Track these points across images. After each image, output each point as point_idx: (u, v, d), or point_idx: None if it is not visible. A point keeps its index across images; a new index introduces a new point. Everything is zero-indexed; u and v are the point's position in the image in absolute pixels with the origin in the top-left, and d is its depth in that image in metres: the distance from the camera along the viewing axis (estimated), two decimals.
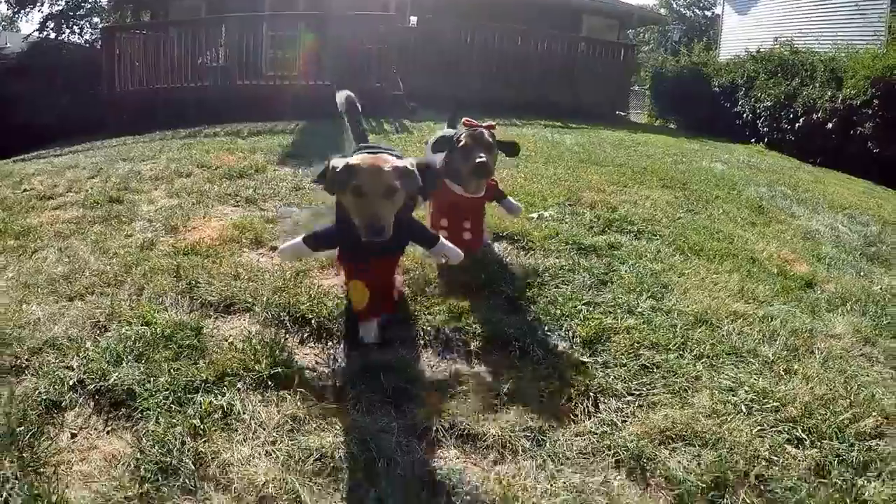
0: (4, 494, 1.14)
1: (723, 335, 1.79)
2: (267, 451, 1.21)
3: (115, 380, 1.39)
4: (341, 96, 1.96)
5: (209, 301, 1.76)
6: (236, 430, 1.26)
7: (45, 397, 1.37)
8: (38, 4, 14.68)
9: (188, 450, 1.19)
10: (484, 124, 2.16)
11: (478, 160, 1.98)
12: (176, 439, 1.21)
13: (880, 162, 5.96)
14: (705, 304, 1.93)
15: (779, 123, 7.19)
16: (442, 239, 1.74)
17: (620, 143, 5.61)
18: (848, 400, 1.53)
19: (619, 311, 1.82)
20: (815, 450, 1.36)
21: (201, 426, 1.26)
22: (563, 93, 8.14)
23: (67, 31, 15.22)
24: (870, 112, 6.16)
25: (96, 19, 15.47)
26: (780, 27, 8.79)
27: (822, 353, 1.79)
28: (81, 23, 15.65)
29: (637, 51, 11.76)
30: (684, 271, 2.19)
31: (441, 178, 2.14)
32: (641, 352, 1.62)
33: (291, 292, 1.83)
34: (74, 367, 1.46)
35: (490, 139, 2.08)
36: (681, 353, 1.65)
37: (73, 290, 1.88)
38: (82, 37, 15.30)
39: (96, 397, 1.38)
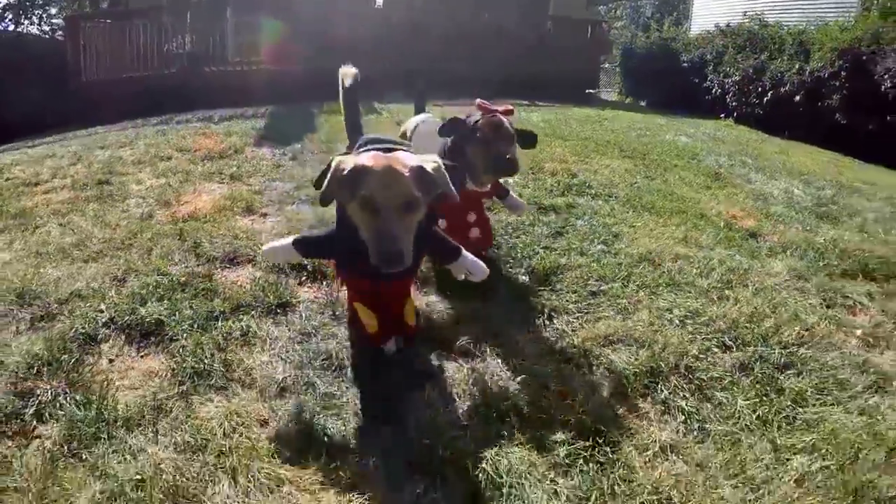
0: (59, 404, 1.47)
1: (664, 271, 2.20)
2: (282, 357, 1.58)
3: (143, 314, 1.73)
4: (348, 75, 1.88)
5: (214, 256, 2.11)
6: (255, 344, 1.62)
7: (81, 332, 1.70)
8: None
9: (217, 359, 1.55)
10: (500, 108, 2.02)
11: (507, 156, 1.89)
12: (205, 351, 1.57)
13: (847, 133, 6.47)
14: (650, 248, 2.35)
15: (747, 98, 7.73)
16: (464, 251, 1.60)
17: (587, 119, 6.05)
18: (773, 318, 1.93)
19: (572, 253, 2.23)
20: (740, 352, 1.77)
21: (224, 343, 1.61)
22: (530, 71, 8.55)
23: (26, 21, 15.08)
24: (837, 84, 6.68)
25: (53, 10, 15.32)
26: (751, 1, 9.35)
27: (755, 285, 2.21)
28: (39, 13, 15.48)
29: (609, 27, 12.28)
30: (634, 224, 2.61)
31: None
32: (590, 282, 2.03)
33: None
34: (104, 309, 1.79)
35: (511, 128, 1.97)
36: (625, 283, 2.07)
37: (85, 255, 2.20)
38: (41, 27, 15.16)
39: (127, 330, 1.72)
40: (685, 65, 9.01)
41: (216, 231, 2.30)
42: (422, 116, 2.40)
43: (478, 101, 2.07)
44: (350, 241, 1.34)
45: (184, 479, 1.18)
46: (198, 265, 2.05)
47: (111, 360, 1.63)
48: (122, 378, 1.56)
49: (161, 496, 1.14)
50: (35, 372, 1.51)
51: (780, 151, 5.75)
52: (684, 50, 9.22)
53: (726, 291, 2.11)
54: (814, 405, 1.53)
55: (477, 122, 1.98)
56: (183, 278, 1.92)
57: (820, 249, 2.61)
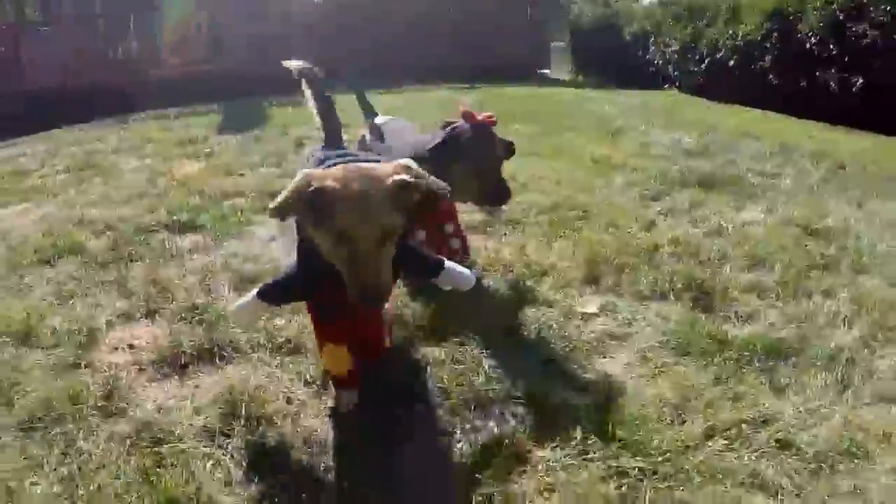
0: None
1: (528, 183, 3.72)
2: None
3: (183, 219, 3.15)
4: (294, 67, 2.07)
5: (224, 193, 3.56)
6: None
7: (139, 229, 3.09)
8: None
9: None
10: (482, 115, 2.16)
11: (505, 185, 2.09)
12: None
13: (778, 92, 8.05)
14: (527, 175, 3.87)
15: (687, 66, 9.45)
16: (447, 262, 1.69)
17: (516, 97, 7.63)
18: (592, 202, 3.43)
19: None
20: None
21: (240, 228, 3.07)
22: (472, 54, 10.17)
23: None
24: (767, 46, 8.32)
25: None
26: None
27: (598, 189, 3.73)
28: None
29: (564, 6, 14.12)
30: (522, 166, 4.13)
31: None
32: None
33: (277, 185, 3.59)
34: (150, 220, 3.18)
35: (498, 146, 2.14)
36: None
37: (116, 202, 3.59)
38: None
39: (173, 227, 3.12)
40: (628, 38, 10.76)
41: (214, 183, 3.76)
42: (384, 118, 2.67)
43: (462, 107, 2.19)
44: (317, 277, 1.42)
45: None
46: (214, 198, 3.50)
47: (164, 240, 3.00)
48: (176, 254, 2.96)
49: None
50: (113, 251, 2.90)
51: (704, 112, 7.39)
52: (626, 24, 10.97)
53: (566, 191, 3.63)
54: None
55: (469, 138, 2.11)
56: (210, 200, 3.37)
57: (668, 174, 4.14)
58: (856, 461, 1.57)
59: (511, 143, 2.24)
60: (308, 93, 2.06)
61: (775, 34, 8.12)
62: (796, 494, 1.47)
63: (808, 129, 6.21)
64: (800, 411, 1.75)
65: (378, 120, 2.65)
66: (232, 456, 1.59)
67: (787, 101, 7.60)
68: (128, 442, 1.64)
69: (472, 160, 2.11)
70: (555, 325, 2.17)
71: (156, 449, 1.61)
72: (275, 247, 2.79)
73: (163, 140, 5.27)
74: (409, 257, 1.60)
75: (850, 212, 3.44)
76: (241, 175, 4.04)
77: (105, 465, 1.55)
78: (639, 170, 4.17)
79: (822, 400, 1.81)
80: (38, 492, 1.48)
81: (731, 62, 8.81)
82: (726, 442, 1.62)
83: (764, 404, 1.77)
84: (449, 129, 2.18)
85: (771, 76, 8.27)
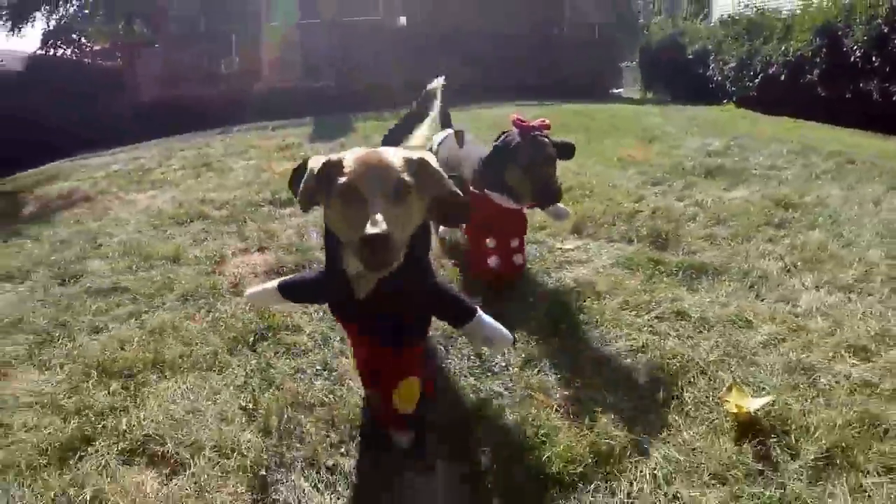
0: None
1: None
2: None
3: (289, 196, 4.33)
4: (439, 83, 2.38)
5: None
6: None
7: (252, 202, 4.29)
8: (32, 21, 18.80)
9: None
10: (537, 123, 2.40)
11: (553, 184, 2.33)
12: None
13: (825, 103, 8.63)
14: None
15: (742, 82, 10.08)
16: (481, 313, 1.65)
17: (576, 111, 8.56)
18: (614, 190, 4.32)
19: None
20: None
21: None
22: (542, 74, 11.23)
23: (64, 47, 19.43)
24: (817, 60, 8.92)
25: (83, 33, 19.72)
26: None
27: (612, 181, 4.62)
28: (77, 37, 19.85)
29: (644, 26, 15.02)
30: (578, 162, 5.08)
31: (469, 188, 2.44)
32: None
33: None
34: (261, 196, 4.39)
35: (552, 151, 2.37)
36: None
37: (229, 188, 4.82)
38: (81, 51, 19.48)
39: (279, 201, 4.31)
40: (690, 56, 11.49)
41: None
42: (448, 131, 2.83)
43: (513, 116, 2.44)
44: (338, 279, 1.49)
45: None
46: None
47: (269, 210, 4.15)
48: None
49: None
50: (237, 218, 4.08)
51: (750, 123, 8.02)
52: (690, 42, 11.72)
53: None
54: None
55: (518, 143, 2.37)
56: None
57: (677, 167, 4.96)
58: (737, 328, 2.39)
59: (570, 145, 2.48)
60: (436, 105, 2.41)
61: (824, 49, 8.72)
62: (680, 338, 2.33)
63: (841, 134, 6.78)
64: (703, 301, 2.60)
65: (438, 136, 2.90)
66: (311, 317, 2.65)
67: (833, 112, 8.17)
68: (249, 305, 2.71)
69: (520, 161, 2.37)
70: (537, 253, 3.12)
71: None
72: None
73: (263, 146, 6.55)
74: (442, 298, 1.65)
75: (834, 193, 4.09)
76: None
77: (236, 316, 2.64)
78: (655, 165, 5.01)
79: (727, 297, 2.64)
80: (195, 329, 2.58)
81: (783, 76, 9.40)
82: (635, 311, 2.51)
83: (676, 295, 2.63)
84: (501, 136, 2.47)
85: (819, 88, 8.83)
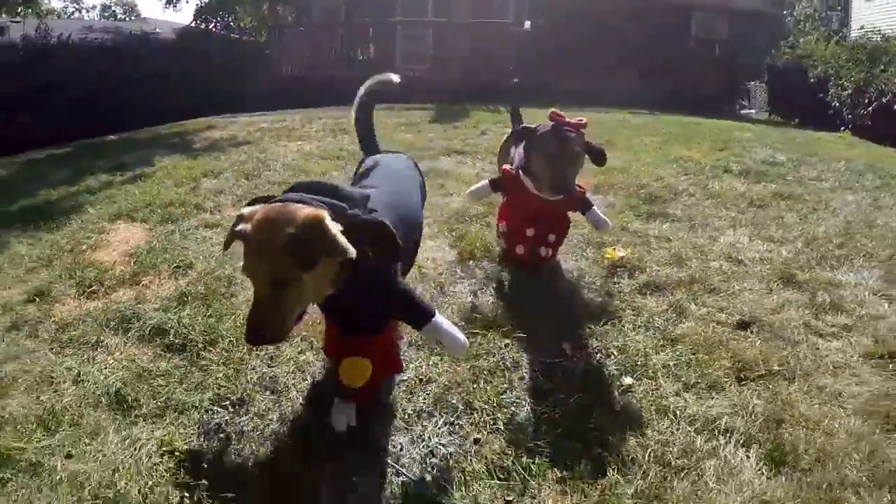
0: None
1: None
2: None
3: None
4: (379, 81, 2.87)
5: (426, 148, 6.64)
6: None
7: None
8: None
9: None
10: (573, 121, 2.83)
11: (564, 178, 2.76)
12: None
13: None
14: (616, 160, 6.40)
15: (857, 110, 10.86)
16: (437, 318, 1.96)
17: (673, 122, 9.89)
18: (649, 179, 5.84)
19: None
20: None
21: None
22: (658, 86, 12.56)
23: (214, 21, 23.35)
24: None
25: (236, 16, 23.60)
26: None
27: (655, 169, 6.11)
28: (226, 14, 23.76)
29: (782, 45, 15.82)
30: (617, 157, 6.61)
31: (517, 176, 3.03)
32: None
33: (454, 144, 6.64)
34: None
35: (577, 146, 2.79)
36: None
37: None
38: (228, 26, 23.35)
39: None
40: (812, 80, 12.32)
41: (418, 144, 6.87)
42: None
43: (552, 110, 2.83)
44: None
45: None
46: (416, 149, 6.59)
47: None
48: None
49: None
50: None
51: (846, 147, 8.94)
52: (812, 66, 12.55)
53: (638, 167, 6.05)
54: None
55: (545, 133, 2.80)
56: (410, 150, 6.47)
57: (718, 167, 6.31)
58: (649, 237, 3.93)
59: (601, 151, 2.98)
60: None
61: None
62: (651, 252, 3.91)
63: None
64: (651, 228, 4.14)
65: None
66: None
67: None
68: None
69: (542, 149, 2.83)
70: None
71: None
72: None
73: (388, 123, 8.54)
74: (398, 301, 1.95)
75: (845, 196, 5.22)
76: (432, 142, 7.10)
77: None
78: (702, 164, 6.37)
79: (665, 228, 4.16)
80: None
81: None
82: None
83: (664, 231, 4.17)
84: (539, 126, 2.92)
85: None
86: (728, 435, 2.18)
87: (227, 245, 1.85)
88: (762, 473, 2.02)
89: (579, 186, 3.09)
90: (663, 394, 2.42)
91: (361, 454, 2.11)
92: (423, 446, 2.15)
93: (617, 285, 3.32)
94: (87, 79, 12.88)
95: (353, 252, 1.65)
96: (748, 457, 2.09)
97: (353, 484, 1.98)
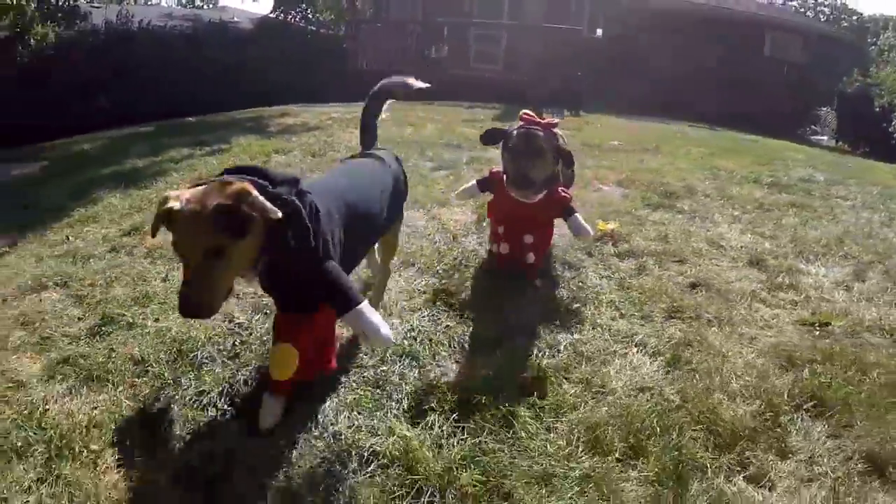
0: None
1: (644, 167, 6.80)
2: None
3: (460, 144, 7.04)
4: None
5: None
6: None
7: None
8: None
9: None
10: (543, 121, 3.00)
11: (525, 174, 2.87)
12: None
13: None
14: (655, 165, 6.95)
15: None
16: (361, 307, 2.01)
17: (728, 138, 10.28)
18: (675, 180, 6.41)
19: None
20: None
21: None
22: (727, 104, 12.89)
23: (292, 13, 24.75)
24: None
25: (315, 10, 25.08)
26: None
27: (686, 175, 6.65)
28: (304, 7, 25.18)
29: (854, 72, 15.79)
30: (658, 163, 7.17)
31: (501, 177, 3.13)
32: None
33: None
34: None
35: (542, 144, 2.90)
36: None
37: (419, 132, 7.62)
38: (306, 19, 24.74)
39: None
40: (877, 109, 12.40)
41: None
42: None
43: (523, 111, 3.05)
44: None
45: None
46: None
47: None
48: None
49: None
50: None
51: (890, 177, 9.15)
52: (878, 95, 12.62)
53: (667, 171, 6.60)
54: None
55: (512, 131, 2.96)
56: (461, 143, 7.21)
57: (748, 177, 6.78)
58: (648, 223, 4.52)
59: (569, 154, 3.08)
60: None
61: None
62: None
63: None
64: (660, 217, 4.73)
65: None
66: None
67: None
68: None
69: (507, 148, 2.99)
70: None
71: None
72: None
73: (454, 117, 9.27)
74: (324, 285, 2.01)
75: (861, 213, 5.59)
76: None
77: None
78: (732, 172, 6.85)
79: (671, 218, 4.74)
80: None
81: None
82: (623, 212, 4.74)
83: (663, 218, 4.76)
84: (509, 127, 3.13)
85: None
86: (640, 347, 2.83)
87: (154, 231, 1.89)
88: (656, 371, 2.65)
89: (564, 192, 3.24)
90: (600, 316, 3.09)
91: None
92: (409, 326, 2.92)
93: (598, 249, 3.94)
94: (165, 64, 14.16)
95: (278, 213, 1.78)
96: (650, 362, 2.73)
97: None
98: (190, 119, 10.29)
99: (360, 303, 2.01)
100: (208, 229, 1.71)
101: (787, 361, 2.82)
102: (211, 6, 37.37)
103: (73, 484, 2.00)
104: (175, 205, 1.74)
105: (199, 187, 1.81)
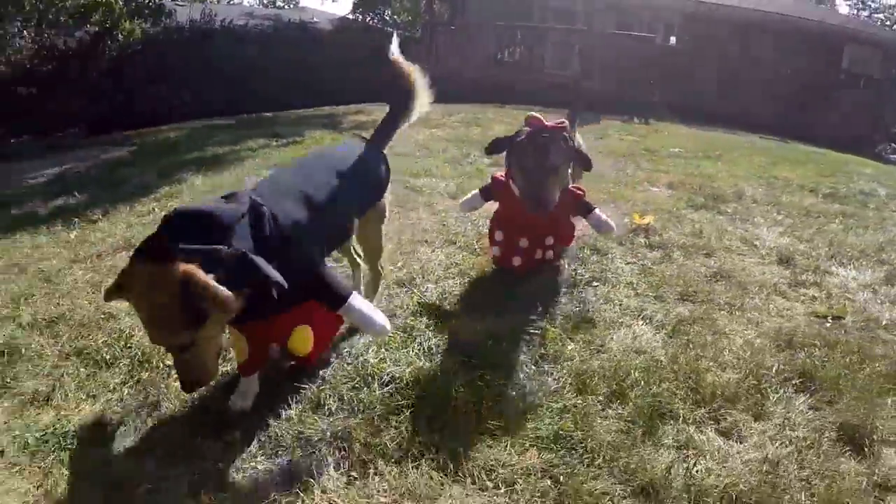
0: None
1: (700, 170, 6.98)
2: None
3: None
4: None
5: None
6: None
7: None
8: None
9: None
10: (551, 124, 2.86)
11: (541, 192, 2.78)
12: None
13: None
14: (710, 170, 7.13)
15: None
16: (351, 301, 2.13)
17: (800, 150, 10.22)
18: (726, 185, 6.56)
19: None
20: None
21: None
22: (797, 117, 12.74)
23: (370, 15, 25.67)
24: None
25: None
26: None
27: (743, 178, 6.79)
28: (382, 9, 26.08)
29: None
30: (714, 168, 7.32)
31: (507, 184, 3.08)
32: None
33: None
34: None
35: (556, 160, 2.80)
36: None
37: (485, 132, 8.03)
38: (384, 20, 25.66)
39: None
40: None
41: None
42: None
43: (529, 113, 2.95)
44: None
45: None
46: None
47: None
48: None
49: None
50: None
51: None
52: None
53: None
54: None
55: (522, 142, 2.82)
56: None
57: (802, 185, 6.83)
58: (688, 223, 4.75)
59: (587, 157, 3.07)
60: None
61: None
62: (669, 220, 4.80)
63: None
64: (701, 217, 4.96)
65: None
66: None
67: None
68: None
69: (519, 165, 2.85)
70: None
71: None
72: None
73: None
74: (317, 284, 2.11)
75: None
76: None
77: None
78: (787, 181, 6.94)
79: (712, 217, 4.96)
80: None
81: None
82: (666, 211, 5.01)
83: (702, 217, 4.99)
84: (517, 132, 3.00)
85: None
86: (646, 320, 3.14)
87: (107, 296, 1.82)
88: (653, 339, 2.96)
89: (578, 189, 3.20)
90: (616, 294, 3.40)
91: None
92: (441, 289, 3.36)
93: (629, 239, 4.22)
94: (245, 61, 15.04)
95: (231, 301, 1.76)
96: (651, 332, 3.03)
97: None
98: (266, 114, 11.05)
99: (349, 296, 2.14)
100: (169, 332, 1.77)
101: (786, 344, 3.00)
102: (291, 6, 39.05)
103: (149, 385, 2.54)
104: (128, 297, 1.79)
105: (148, 273, 1.70)
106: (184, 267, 1.68)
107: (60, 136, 12.53)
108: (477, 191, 3.44)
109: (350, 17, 25.45)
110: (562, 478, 2.05)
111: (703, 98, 12.82)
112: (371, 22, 25.41)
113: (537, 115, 2.96)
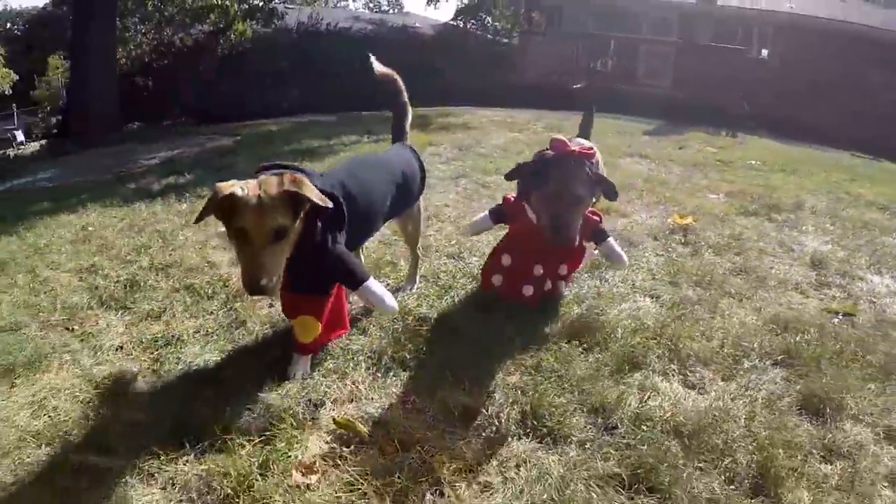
0: None
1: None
2: None
3: None
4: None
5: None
6: None
7: None
8: None
9: None
10: (578, 148, 2.73)
11: (567, 230, 2.65)
12: None
13: None
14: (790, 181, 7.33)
15: None
16: (369, 283, 2.40)
17: (886, 169, 10.05)
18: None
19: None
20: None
21: None
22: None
23: (472, 22, 26.60)
24: None
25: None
26: None
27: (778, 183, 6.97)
28: (483, 16, 26.91)
29: None
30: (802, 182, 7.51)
31: (521, 206, 3.01)
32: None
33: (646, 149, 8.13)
34: None
35: (582, 192, 2.66)
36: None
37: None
38: (484, 28, 26.52)
39: None
40: None
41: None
42: (580, 141, 3.25)
43: (554, 136, 2.78)
44: None
45: None
46: None
47: None
48: None
49: None
50: None
51: None
52: None
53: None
54: None
55: (547, 165, 2.66)
56: None
57: (881, 204, 6.92)
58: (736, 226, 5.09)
59: (612, 187, 2.81)
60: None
61: None
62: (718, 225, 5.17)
63: None
64: (756, 224, 5.28)
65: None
66: None
67: None
68: None
69: (541, 194, 2.70)
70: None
71: None
72: None
73: (602, 129, 9.86)
74: (337, 264, 2.35)
75: None
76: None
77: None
78: (861, 197, 6.99)
79: (761, 223, 5.27)
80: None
81: None
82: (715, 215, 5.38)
83: (749, 222, 5.31)
84: (537, 154, 2.90)
85: None
86: (653, 297, 3.62)
87: (199, 218, 2.11)
88: (650, 311, 3.44)
89: (595, 214, 3.05)
90: (634, 277, 3.91)
91: None
92: (476, 257, 3.99)
93: (665, 235, 4.67)
94: (349, 63, 15.89)
95: (329, 203, 2.14)
96: (652, 307, 3.52)
97: None
98: (365, 113, 12.00)
99: (366, 279, 2.41)
100: (279, 211, 2.01)
101: (782, 328, 3.23)
102: (396, 11, 40.55)
103: (240, 312, 3.34)
104: (239, 192, 2.02)
105: (252, 180, 2.14)
106: (293, 174, 2.15)
107: (171, 125, 14.12)
108: (486, 212, 3.30)
109: (452, 23, 26.46)
110: (530, 392, 2.64)
111: (798, 112, 12.75)
112: (471, 28, 26.27)
113: (562, 137, 2.82)
